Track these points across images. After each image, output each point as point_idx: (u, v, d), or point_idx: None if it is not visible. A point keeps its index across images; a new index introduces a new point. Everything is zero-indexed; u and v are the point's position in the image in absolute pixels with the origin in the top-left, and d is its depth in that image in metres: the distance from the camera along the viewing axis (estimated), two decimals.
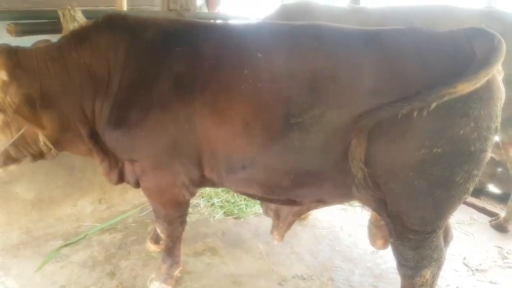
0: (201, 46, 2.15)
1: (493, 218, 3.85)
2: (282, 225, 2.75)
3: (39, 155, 2.48)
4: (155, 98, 2.15)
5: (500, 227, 3.70)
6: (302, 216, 3.76)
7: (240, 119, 2.01)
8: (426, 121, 1.73)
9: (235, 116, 2.02)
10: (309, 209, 2.73)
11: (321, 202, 2.32)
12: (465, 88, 1.65)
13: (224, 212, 3.89)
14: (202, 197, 4.11)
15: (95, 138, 2.45)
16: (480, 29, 1.83)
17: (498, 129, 1.80)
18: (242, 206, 3.95)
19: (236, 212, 3.89)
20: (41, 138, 2.32)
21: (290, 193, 2.19)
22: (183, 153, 2.22)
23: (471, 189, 1.89)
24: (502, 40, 1.73)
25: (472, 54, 1.75)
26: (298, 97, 1.89)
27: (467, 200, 4.16)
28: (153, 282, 2.80)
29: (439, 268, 2.21)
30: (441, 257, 2.10)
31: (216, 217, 3.81)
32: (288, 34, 2.08)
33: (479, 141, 1.74)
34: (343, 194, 2.14)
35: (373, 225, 2.56)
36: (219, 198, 4.08)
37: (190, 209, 3.84)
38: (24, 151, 2.39)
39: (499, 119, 1.79)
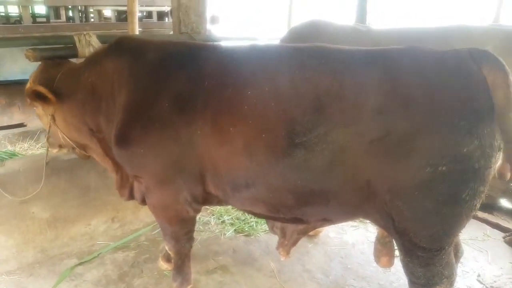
0: (202, 67, 2.22)
1: (507, 234, 3.81)
2: (287, 243, 2.76)
3: (72, 149, 2.96)
4: (155, 117, 2.23)
5: None
6: (313, 233, 3.78)
7: (242, 138, 2.05)
8: (430, 140, 1.76)
9: (236, 136, 2.06)
10: (315, 227, 2.74)
11: (327, 220, 2.33)
12: None
13: (235, 230, 3.91)
14: (213, 215, 4.14)
15: (107, 151, 2.62)
16: (485, 50, 1.85)
17: (501, 146, 1.81)
18: (252, 224, 3.96)
19: (246, 229, 3.91)
20: (60, 134, 2.77)
21: (295, 212, 2.22)
22: (185, 170, 2.28)
23: (478, 205, 1.89)
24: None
25: (480, 74, 1.78)
26: (302, 117, 1.93)
27: (480, 216, 4.20)
28: None
29: (451, 285, 2.20)
30: (453, 274, 2.09)
31: (227, 235, 3.83)
32: (292, 55, 2.14)
33: (483, 158, 1.76)
34: (349, 212, 2.16)
35: (378, 242, 2.56)
36: (230, 215, 4.11)
37: (200, 227, 3.92)
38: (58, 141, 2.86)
39: (500, 137, 1.81)
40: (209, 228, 3.95)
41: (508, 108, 1.75)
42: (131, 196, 2.79)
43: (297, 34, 3.60)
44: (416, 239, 1.97)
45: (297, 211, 2.20)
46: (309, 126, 1.91)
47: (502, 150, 1.82)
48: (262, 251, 3.58)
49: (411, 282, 2.16)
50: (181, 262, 2.81)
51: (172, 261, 2.88)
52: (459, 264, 3.35)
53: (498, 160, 1.84)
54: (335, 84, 1.93)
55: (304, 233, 2.71)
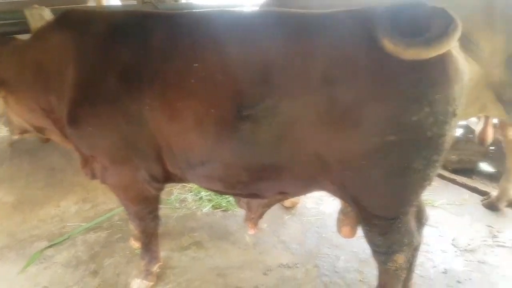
0: (149, 38, 2.09)
1: (485, 197, 3.78)
2: (254, 216, 2.71)
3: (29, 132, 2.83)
4: (103, 93, 2.12)
5: (491, 206, 3.64)
6: (290, 205, 3.74)
7: (191, 113, 1.96)
8: (377, 108, 1.66)
9: (185, 111, 1.97)
10: (278, 201, 2.68)
11: (284, 194, 2.26)
12: (412, 54, 1.57)
13: (212, 206, 3.86)
14: (190, 192, 4.08)
15: (64, 131, 2.50)
16: (438, 7, 1.71)
17: (457, 112, 1.71)
18: (230, 199, 3.91)
19: (224, 204, 3.86)
20: (14, 118, 2.66)
21: (251, 187, 2.14)
22: (139, 148, 2.19)
23: (432, 175, 1.81)
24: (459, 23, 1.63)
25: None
26: (250, 89, 1.83)
27: (458, 180, 4.16)
28: (135, 279, 2.79)
29: (414, 250, 2.14)
30: (413, 241, 2.04)
31: (203, 211, 3.78)
32: (243, 23, 2.02)
33: (436, 126, 1.66)
34: (304, 185, 2.09)
35: (341, 212, 2.51)
36: (207, 191, 4.04)
37: (177, 204, 3.86)
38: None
39: (458, 102, 1.70)
40: (185, 205, 3.90)
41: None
42: (94, 176, 2.70)
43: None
44: (370, 209, 1.92)
45: (253, 186, 2.13)
46: (257, 99, 1.81)
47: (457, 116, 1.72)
48: (239, 226, 3.54)
49: (373, 250, 2.12)
50: (148, 241, 2.75)
51: (140, 239, 2.83)
52: (434, 229, 3.35)
53: (454, 127, 1.75)
54: (283, 53, 1.81)
55: (269, 206, 2.65)
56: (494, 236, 3.24)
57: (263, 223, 3.38)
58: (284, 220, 3.58)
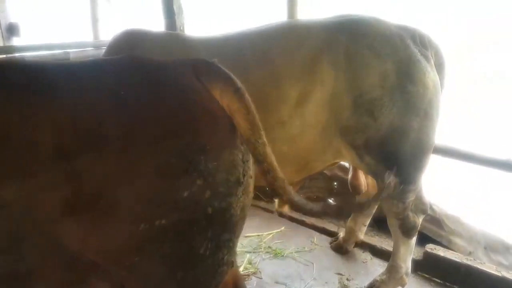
0: None
1: (333, 239, 3.61)
2: None
3: None
4: None
5: (340, 248, 3.49)
6: None
7: None
8: (134, 186, 1.21)
9: None
10: None
11: None
12: None
13: None
14: None
15: None
16: (211, 62, 1.42)
17: (243, 179, 1.34)
18: None
19: None
20: None
21: None
22: None
23: (229, 258, 1.42)
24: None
25: (202, 93, 1.35)
26: None
27: (307, 222, 3.96)
28: None
29: None
30: None
31: None
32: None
33: (216, 200, 1.28)
34: None
35: None
36: None
37: None
38: None
39: (247, 166, 1.36)
40: None
41: (249, 133, 1.31)
42: None
43: (112, 48, 2.74)
44: None
45: None
46: None
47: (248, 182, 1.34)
48: None
49: None
50: None
51: None
52: (283, 286, 3.01)
53: (248, 193, 1.36)
54: (8, 117, 1.23)
55: None
56: (344, 286, 3.01)
57: None
58: None
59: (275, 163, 1.42)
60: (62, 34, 6.02)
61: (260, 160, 1.36)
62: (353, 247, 3.47)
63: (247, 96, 1.35)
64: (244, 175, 1.33)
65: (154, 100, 1.27)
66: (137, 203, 1.21)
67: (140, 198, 1.21)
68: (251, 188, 1.41)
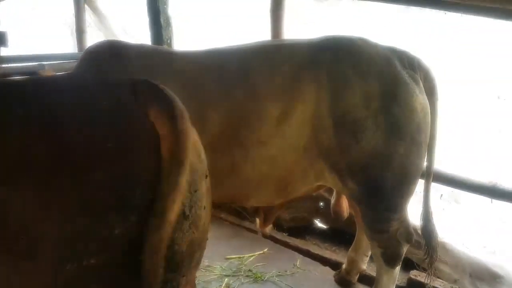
0: None
1: (337, 272, 3.31)
2: None
3: None
4: None
5: (343, 281, 3.19)
6: None
7: None
8: (46, 223, 1.09)
9: None
10: None
11: None
12: None
13: None
14: None
15: None
16: (148, 81, 1.34)
17: (190, 212, 1.23)
18: None
19: None
20: None
21: None
22: None
23: None
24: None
25: (139, 117, 1.25)
26: None
27: (291, 243, 3.83)
28: None
29: None
30: None
31: None
32: None
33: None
34: None
35: None
36: None
37: None
38: None
39: (192, 198, 1.24)
40: None
41: (167, 166, 1.18)
42: None
43: (94, 59, 2.60)
44: None
45: None
46: None
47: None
48: None
49: None
50: None
51: None
52: None
53: (196, 228, 1.24)
54: None
55: None
56: None
57: None
58: None
59: (172, 218, 1.17)
60: (46, 45, 5.89)
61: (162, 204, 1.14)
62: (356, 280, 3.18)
63: (183, 126, 1.22)
64: (191, 207, 1.22)
65: (83, 125, 1.16)
66: (60, 242, 1.10)
67: (64, 237, 1.10)
68: (203, 221, 1.29)
